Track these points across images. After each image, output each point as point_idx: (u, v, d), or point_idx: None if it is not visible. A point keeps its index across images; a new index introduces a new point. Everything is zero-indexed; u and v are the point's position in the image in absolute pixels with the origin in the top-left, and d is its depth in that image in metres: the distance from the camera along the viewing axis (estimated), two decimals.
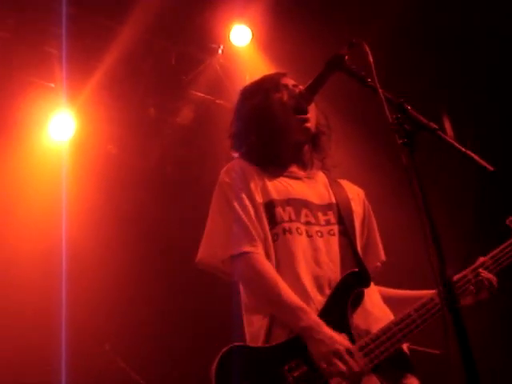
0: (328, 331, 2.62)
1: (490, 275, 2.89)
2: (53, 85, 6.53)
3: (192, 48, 6.86)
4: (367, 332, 2.71)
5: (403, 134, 2.29)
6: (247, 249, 2.81)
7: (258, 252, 2.82)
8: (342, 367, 2.55)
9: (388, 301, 2.97)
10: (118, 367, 6.04)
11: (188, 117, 7.22)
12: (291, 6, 6.40)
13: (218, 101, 7.10)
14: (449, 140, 2.34)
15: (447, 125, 5.97)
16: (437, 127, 2.35)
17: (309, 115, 3.09)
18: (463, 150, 2.30)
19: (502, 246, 2.99)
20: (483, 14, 6.19)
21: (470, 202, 6.51)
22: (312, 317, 2.66)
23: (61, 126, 6.71)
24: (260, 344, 2.74)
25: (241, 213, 2.88)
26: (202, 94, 7.14)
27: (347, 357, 2.56)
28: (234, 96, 3.40)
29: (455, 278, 2.82)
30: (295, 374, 2.56)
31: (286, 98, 3.12)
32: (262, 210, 2.91)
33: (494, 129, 6.45)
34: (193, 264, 2.96)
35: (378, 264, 3.17)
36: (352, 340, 2.65)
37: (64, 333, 6.34)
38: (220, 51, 6.84)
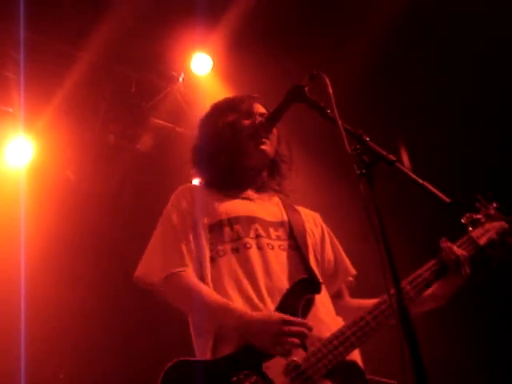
0: (257, 318, 2.64)
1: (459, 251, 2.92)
2: (10, 109, 6.47)
3: (152, 75, 6.86)
4: (319, 339, 2.69)
5: (362, 165, 2.32)
6: (177, 269, 2.85)
7: (187, 271, 2.85)
8: (295, 341, 2.58)
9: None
10: None
11: (147, 144, 7.20)
12: (252, 35, 6.45)
13: (177, 128, 7.10)
14: (406, 172, 2.38)
15: (404, 156, 6.06)
16: (395, 159, 2.38)
17: (266, 140, 3.13)
18: (420, 181, 2.33)
19: (457, 243, 2.99)
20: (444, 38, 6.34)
21: (426, 231, 6.59)
22: (237, 312, 2.68)
23: (18, 151, 6.63)
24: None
25: (180, 236, 2.93)
26: (162, 122, 7.13)
27: (290, 329, 2.59)
28: (195, 124, 3.41)
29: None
30: None
31: (248, 125, 3.15)
32: (205, 230, 2.94)
33: (452, 160, 6.56)
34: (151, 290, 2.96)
35: (351, 278, 3.20)
36: (304, 347, 2.64)
37: (23, 363, 6.21)
38: (181, 79, 6.85)
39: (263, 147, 3.12)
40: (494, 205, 3.19)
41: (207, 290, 2.78)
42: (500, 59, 6.17)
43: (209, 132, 3.23)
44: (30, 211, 6.55)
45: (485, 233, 3.07)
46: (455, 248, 2.92)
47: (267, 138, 3.13)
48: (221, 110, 3.29)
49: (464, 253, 2.92)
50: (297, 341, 2.59)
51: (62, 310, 6.73)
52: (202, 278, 2.85)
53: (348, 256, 3.24)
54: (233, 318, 2.66)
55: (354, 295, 3.21)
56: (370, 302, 3.03)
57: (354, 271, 3.21)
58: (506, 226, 3.13)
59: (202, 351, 2.78)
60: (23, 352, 6.23)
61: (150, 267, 2.94)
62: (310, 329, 2.62)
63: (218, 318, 2.72)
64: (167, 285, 2.86)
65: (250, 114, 3.20)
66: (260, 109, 3.24)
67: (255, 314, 2.67)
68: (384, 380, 4.62)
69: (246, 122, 3.16)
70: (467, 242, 3.01)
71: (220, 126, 3.18)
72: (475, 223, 3.10)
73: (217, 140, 3.16)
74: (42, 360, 6.47)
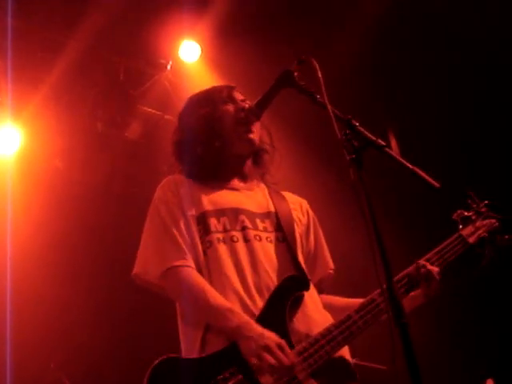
0: (258, 328, 2.61)
1: (432, 267, 2.87)
2: None
3: (141, 63, 6.83)
4: (308, 337, 2.68)
5: (351, 150, 2.32)
6: (177, 263, 2.81)
7: (187, 265, 2.82)
8: (271, 360, 2.52)
9: (333, 309, 2.96)
10: None
11: (136, 132, 7.17)
12: (241, 22, 6.43)
13: (166, 116, 7.08)
14: (396, 157, 2.37)
15: (392, 141, 6.06)
16: (384, 144, 2.38)
17: (253, 128, 3.09)
18: (410, 166, 2.34)
19: (446, 241, 3.00)
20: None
21: (415, 216, 6.62)
22: (241, 317, 2.65)
23: (6, 140, 6.59)
24: (195, 354, 2.70)
25: (172, 228, 2.89)
26: (151, 109, 7.11)
27: (277, 350, 2.54)
28: None
29: (399, 276, 2.83)
30: None
31: (232, 111, 3.12)
32: (194, 222, 2.91)
33: (441, 145, 6.57)
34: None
35: (331, 272, 3.15)
36: (291, 345, 2.62)
37: (8, 352, 6.19)
38: (169, 67, 6.82)
39: (251, 136, 3.08)
40: (485, 202, 3.20)
41: (211, 291, 2.73)
42: (488, 43, 6.18)
43: (189, 123, 3.18)
44: (18, 200, 6.53)
45: (475, 231, 3.08)
46: (428, 265, 2.88)
47: (255, 123, 3.08)
48: (199, 100, 3.24)
49: (436, 270, 2.88)
50: (275, 364, 2.52)
51: (50, 300, 6.71)
52: (198, 271, 2.82)
53: (336, 245, 3.23)
54: (237, 320, 2.63)
55: (343, 287, 3.19)
56: (342, 301, 3.06)
57: (332, 265, 3.17)
58: (497, 224, 3.14)
59: (190, 342, 2.77)
60: (9, 341, 6.21)
61: (146, 265, 2.90)
62: (292, 366, 2.55)
63: (223, 320, 2.67)
64: (166, 279, 2.83)
65: (225, 99, 3.16)
66: (240, 96, 3.20)
67: (258, 325, 2.64)
68: (375, 366, 4.64)
69: (230, 108, 3.13)
70: (457, 240, 3.02)
71: (200, 116, 3.13)
72: (466, 221, 3.12)
73: (198, 130, 3.11)
74: (31, 350, 6.46)
